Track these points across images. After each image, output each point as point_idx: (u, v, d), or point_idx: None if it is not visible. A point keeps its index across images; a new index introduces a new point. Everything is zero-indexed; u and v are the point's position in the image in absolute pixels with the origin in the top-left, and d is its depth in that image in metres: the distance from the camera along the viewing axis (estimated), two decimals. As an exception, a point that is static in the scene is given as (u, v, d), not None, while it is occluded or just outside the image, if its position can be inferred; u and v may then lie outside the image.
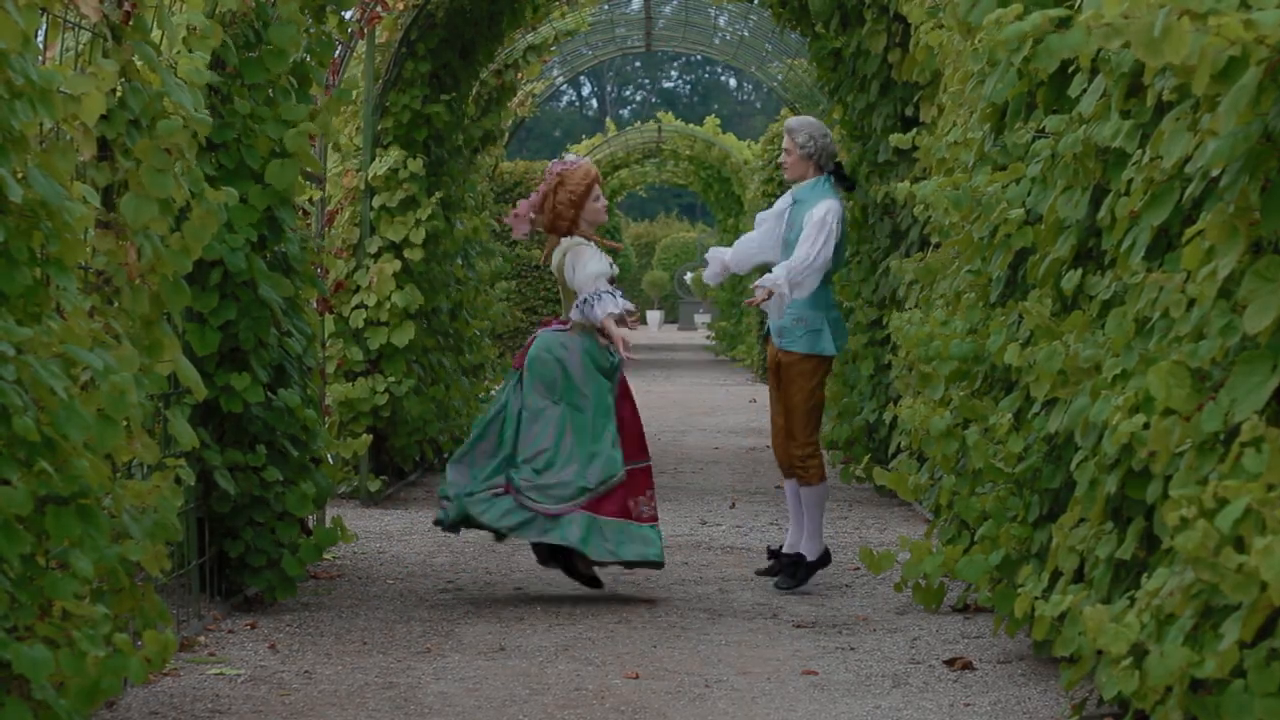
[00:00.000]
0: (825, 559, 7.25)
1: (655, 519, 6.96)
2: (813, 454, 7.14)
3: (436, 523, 7.05)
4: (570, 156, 7.27)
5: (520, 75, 13.39)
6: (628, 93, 76.92)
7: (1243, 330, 3.42)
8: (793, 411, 7.13)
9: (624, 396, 7.04)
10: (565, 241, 7.04)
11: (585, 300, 6.86)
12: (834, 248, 6.99)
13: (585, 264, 6.92)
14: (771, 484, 11.15)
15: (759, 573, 7.39)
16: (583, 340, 6.95)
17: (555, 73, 18.25)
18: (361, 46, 9.80)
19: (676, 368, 25.64)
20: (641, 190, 37.59)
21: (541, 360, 6.92)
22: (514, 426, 6.91)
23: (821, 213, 6.98)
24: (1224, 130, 3.41)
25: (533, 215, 7.14)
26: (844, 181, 7.22)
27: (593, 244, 7.05)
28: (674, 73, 76.11)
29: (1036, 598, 4.94)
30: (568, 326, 6.98)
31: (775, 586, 7.17)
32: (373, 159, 10.10)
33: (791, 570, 7.17)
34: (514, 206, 7.23)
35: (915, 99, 8.82)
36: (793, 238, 7.11)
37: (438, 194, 10.30)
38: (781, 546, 7.42)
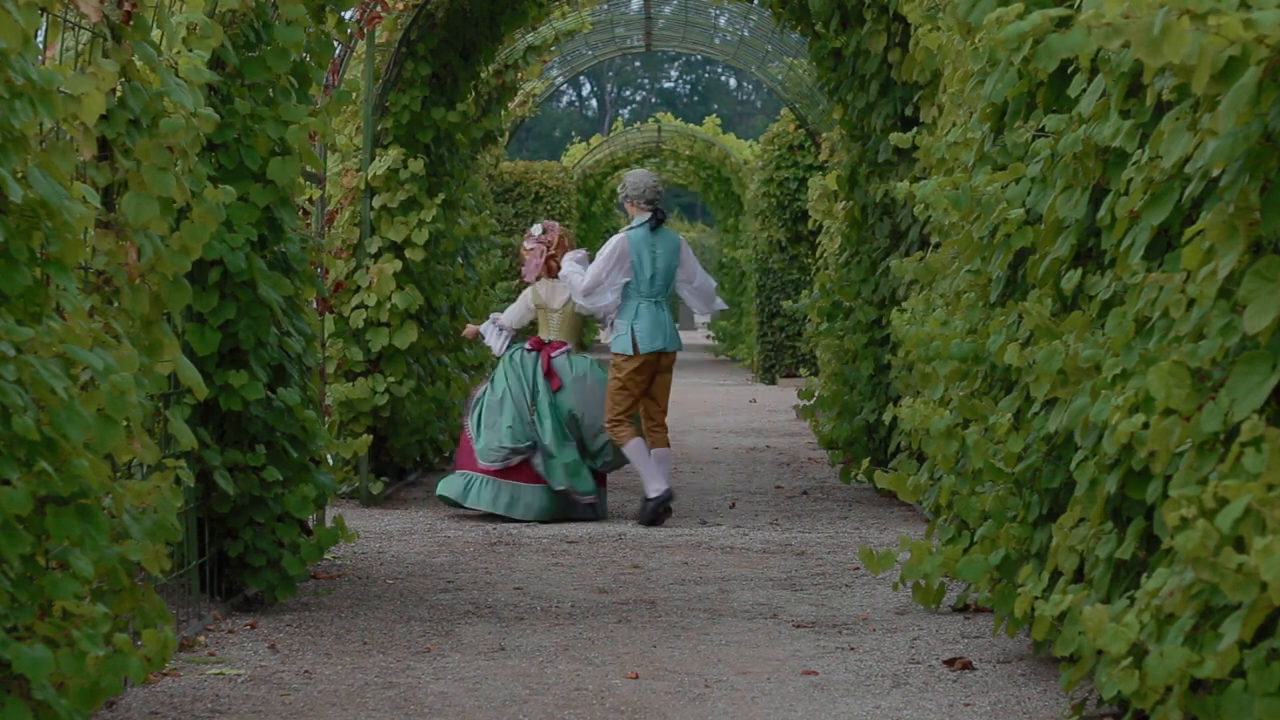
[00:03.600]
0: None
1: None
2: (613, 425, 9.24)
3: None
4: (538, 226, 9.81)
5: (520, 75, 13.38)
6: (628, 93, 76.91)
7: (1243, 330, 3.42)
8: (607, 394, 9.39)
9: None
10: (556, 283, 9.62)
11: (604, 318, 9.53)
12: (626, 267, 9.41)
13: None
14: (771, 484, 11.15)
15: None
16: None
17: (555, 73, 18.23)
18: (361, 46, 9.80)
19: (676, 367, 25.57)
20: (641, 190, 37.49)
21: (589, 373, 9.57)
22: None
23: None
24: (1224, 130, 3.40)
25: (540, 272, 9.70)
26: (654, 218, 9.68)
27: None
28: (674, 73, 76.12)
29: (1036, 598, 4.94)
30: (568, 347, 9.57)
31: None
32: (372, 159, 10.10)
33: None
34: (538, 251, 9.76)
35: (915, 99, 8.82)
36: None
37: (440, 195, 10.30)
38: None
